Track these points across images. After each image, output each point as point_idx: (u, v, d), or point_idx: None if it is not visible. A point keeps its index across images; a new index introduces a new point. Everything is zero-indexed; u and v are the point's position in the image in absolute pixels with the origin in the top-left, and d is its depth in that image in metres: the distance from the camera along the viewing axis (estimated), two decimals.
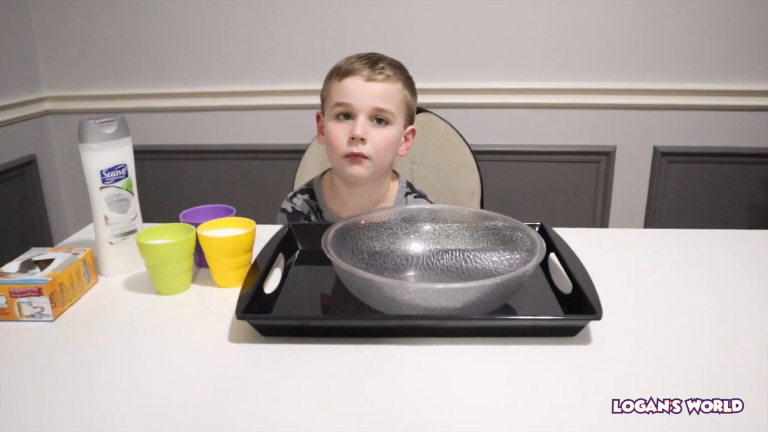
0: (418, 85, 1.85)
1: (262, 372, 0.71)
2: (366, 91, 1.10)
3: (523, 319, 0.79)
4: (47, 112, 1.99)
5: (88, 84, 1.96)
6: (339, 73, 1.13)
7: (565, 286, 0.85)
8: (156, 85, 1.93)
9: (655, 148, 1.91)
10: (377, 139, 1.11)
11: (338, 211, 1.22)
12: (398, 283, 0.75)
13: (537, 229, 0.99)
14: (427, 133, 1.53)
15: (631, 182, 1.95)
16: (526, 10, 1.77)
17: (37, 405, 0.66)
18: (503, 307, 0.80)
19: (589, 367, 0.71)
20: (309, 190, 1.27)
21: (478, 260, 0.91)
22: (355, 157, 1.11)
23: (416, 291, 0.74)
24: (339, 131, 1.12)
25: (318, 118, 1.21)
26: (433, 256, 0.93)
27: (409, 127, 1.20)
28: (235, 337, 0.77)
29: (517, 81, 1.84)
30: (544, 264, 0.93)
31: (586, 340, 0.75)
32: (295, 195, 1.27)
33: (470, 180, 1.52)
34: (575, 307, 0.79)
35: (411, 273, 0.91)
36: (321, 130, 1.20)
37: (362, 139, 1.09)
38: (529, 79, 1.83)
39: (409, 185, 1.27)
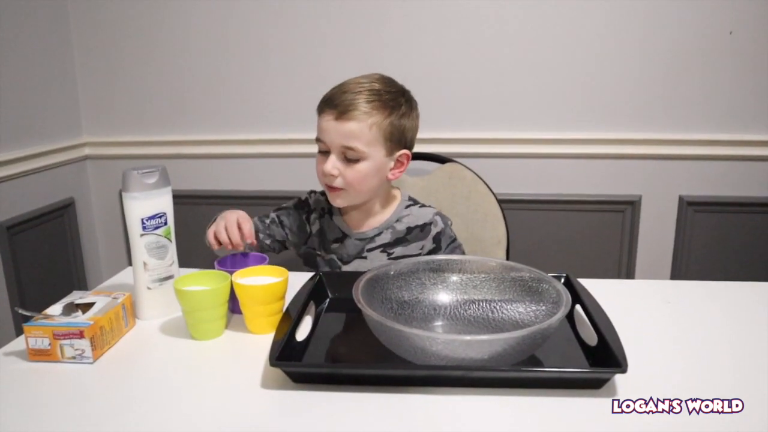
0: (445, 134, 1.87)
1: (293, 419, 0.73)
2: (335, 131, 1.14)
3: (549, 371, 0.80)
4: (86, 157, 2.06)
5: (125, 130, 2.03)
6: (319, 107, 1.19)
7: (591, 338, 0.86)
8: (193, 132, 2.00)
9: (680, 198, 1.91)
10: (348, 175, 1.16)
11: (348, 218, 1.27)
12: (427, 335, 0.76)
13: (562, 280, 1.00)
14: (454, 183, 1.56)
15: (657, 232, 1.95)
16: (553, 61, 1.81)
17: None
18: (529, 358, 0.81)
19: (614, 419, 0.71)
20: None
21: (505, 311, 0.93)
22: (330, 189, 1.19)
23: (444, 342, 0.76)
24: (319, 165, 1.19)
25: None
26: (461, 306, 0.95)
27: (400, 152, 1.20)
28: (267, 383, 0.80)
29: (544, 131, 1.86)
30: (570, 316, 0.94)
31: (612, 393, 0.76)
32: (317, 192, 1.34)
33: (496, 229, 1.54)
34: (601, 359, 0.80)
35: (439, 323, 0.93)
36: None
37: (333, 175, 1.16)
38: (555, 129, 1.86)
39: (412, 199, 1.30)
